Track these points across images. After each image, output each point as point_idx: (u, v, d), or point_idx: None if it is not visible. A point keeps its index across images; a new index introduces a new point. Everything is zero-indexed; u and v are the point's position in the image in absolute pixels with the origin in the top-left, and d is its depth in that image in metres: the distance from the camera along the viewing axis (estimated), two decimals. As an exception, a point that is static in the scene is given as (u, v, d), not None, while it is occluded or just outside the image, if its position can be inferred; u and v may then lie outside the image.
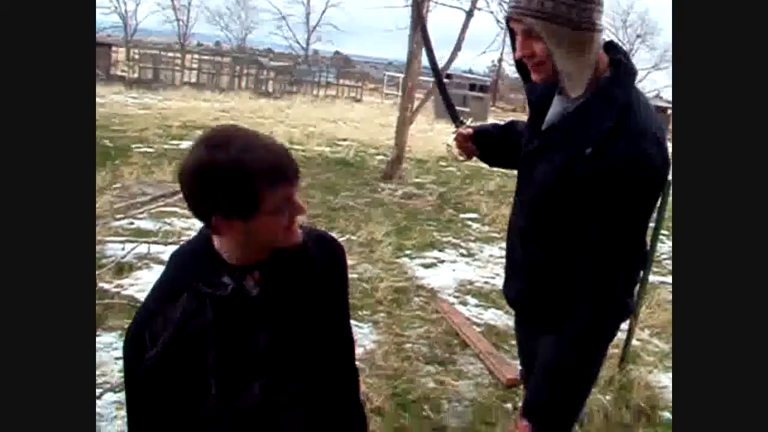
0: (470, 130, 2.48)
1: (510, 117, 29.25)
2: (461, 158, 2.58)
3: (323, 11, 51.71)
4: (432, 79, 16.14)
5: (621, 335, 4.99)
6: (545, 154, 1.99)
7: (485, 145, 2.48)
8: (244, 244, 1.49)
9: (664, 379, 4.64)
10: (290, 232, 1.50)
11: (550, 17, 1.79)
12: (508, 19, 1.93)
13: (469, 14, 11.64)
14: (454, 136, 2.50)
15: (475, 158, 2.59)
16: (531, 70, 1.94)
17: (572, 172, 1.87)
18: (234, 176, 1.36)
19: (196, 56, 33.49)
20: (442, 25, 12.78)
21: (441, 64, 11.19)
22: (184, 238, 6.19)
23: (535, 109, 2.11)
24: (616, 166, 1.80)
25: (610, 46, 1.96)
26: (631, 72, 1.93)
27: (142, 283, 5.09)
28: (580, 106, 1.90)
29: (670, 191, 4.04)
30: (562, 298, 2.08)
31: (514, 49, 1.96)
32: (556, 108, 2.02)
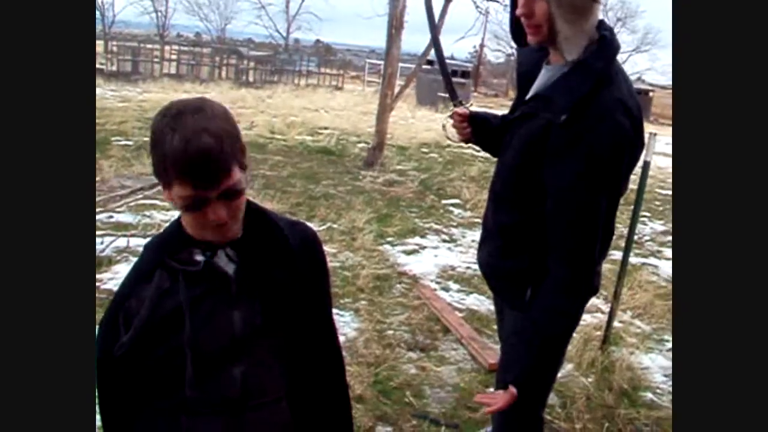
0: (467, 111, 2.50)
1: (492, 102, 29.13)
2: (455, 139, 2.60)
3: (302, 0, 51.52)
4: (412, 66, 16.10)
5: (602, 317, 5.01)
6: (525, 123, 2.07)
7: (481, 129, 2.51)
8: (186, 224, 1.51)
9: (646, 360, 4.66)
10: (217, 231, 1.48)
11: None
12: None
13: (448, 0, 11.60)
14: (450, 114, 2.54)
15: (464, 144, 2.65)
16: (528, 31, 1.99)
17: (547, 137, 1.94)
18: (161, 145, 1.38)
19: (175, 48, 33.16)
20: (421, 10, 12.73)
21: (421, 50, 11.14)
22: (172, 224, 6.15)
23: (522, 80, 2.19)
24: (587, 134, 1.87)
25: (599, 23, 2.01)
26: (613, 47, 1.99)
27: (121, 277, 5.00)
28: (561, 76, 1.97)
29: (648, 173, 4.06)
30: (529, 264, 2.16)
31: (513, 10, 2.05)
32: (541, 79, 2.09)
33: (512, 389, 2.12)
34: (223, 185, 1.40)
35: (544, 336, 2.09)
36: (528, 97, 2.13)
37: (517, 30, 2.10)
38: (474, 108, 2.58)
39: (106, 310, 1.56)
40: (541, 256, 2.10)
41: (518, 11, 1.97)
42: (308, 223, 1.78)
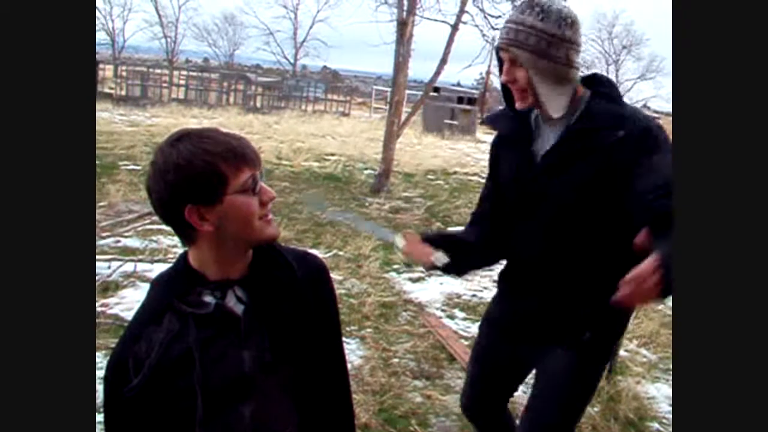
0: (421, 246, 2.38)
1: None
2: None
3: (310, 26, 51.86)
4: (419, 93, 16.20)
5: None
6: (574, 162, 2.12)
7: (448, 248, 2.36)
8: (219, 243, 1.50)
9: (652, 390, 4.65)
10: (266, 223, 1.52)
11: (533, 50, 2.06)
12: (497, 49, 2.17)
13: (454, 28, 11.68)
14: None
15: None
16: (516, 96, 2.17)
17: (612, 156, 2.03)
18: (197, 159, 1.42)
19: (184, 73, 33.43)
20: (427, 39, 12.84)
21: (427, 77, 11.21)
22: (170, 255, 6.18)
23: (515, 141, 2.29)
24: (641, 133, 2.01)
25: (592, 76, 2.22)
26: (609, 81, 2.21)
27: (128, 302, 5.07)
28: (584, 111, 2.13)
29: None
30: (594, 307, 2.17)
31: (501, 74, 2.19)
32: (547, 130, 2.21)
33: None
34: (261, 165, 1.53)
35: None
36: (546, 151, 2.18)
37: (508, 96, 2.26)
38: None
39: (115, 347, 1.55)
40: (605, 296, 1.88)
41: (502, 79, 2.16)
42: (315, 251, 1.80)
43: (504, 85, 2.23)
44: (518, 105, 2.18)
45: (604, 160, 2.05)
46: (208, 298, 1.54)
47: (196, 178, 1.42)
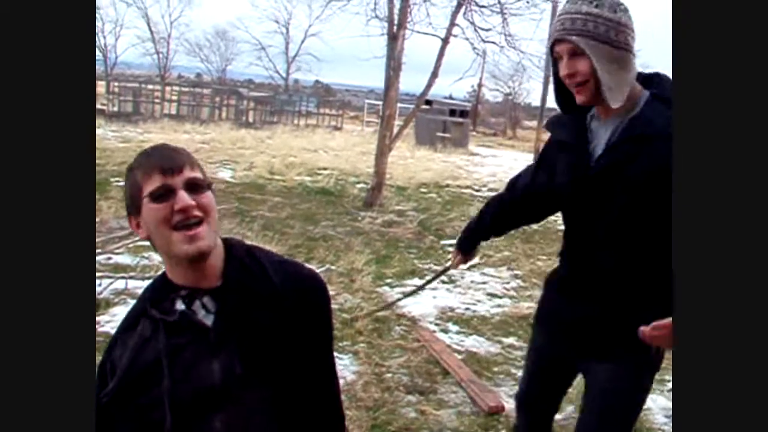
0: (463, 258, 3.05)
1: (491, 141, 29.18)
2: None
3: (302, 41, 51.87)
4: (411, 106, 16.24)
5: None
6: (624, 167, 2.12)
7: (479, 238, 2.94)
8: (160, 252, 1.57)
9: (648, 401, 4.62)
10: (183, 236, 1.51)
11: (593, 35, 2.04)
12: (552, 46, 2.15)
13: (445, 41, 11.72)
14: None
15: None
16: (575, 91, 2.14)
17: (661, 164, 1.99)
18: (126, 173, 1.60)
19: (176, 88, 33.46)
20: (419, 52, 12.89)
21: (419, 90, 11.24)
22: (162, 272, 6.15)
23: (572, 146, 2.29)
24: None
25: (637, 75, 2.19)
26: (666, 79, 2.19)
27: (119, 320, 4.99)
28: (641, 115, 2.12)
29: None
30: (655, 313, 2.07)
31: (556, 80, 2.23)
32: (604, 133, 2.20)
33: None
34: (187, 174, 1.53)
35: None
36: (600, 152, 2.19)
37: (562, 99, 2.27)
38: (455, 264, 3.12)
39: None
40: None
41: (562, 73, 2.11)
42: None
43: (557, 87, 2.25)
44: (579, 99, 2.16)
45: (657, 164, 2.04)
46: (180, 306, 1.56)
47: (126, 189, 1.59)
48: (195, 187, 1.54)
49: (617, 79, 2.07)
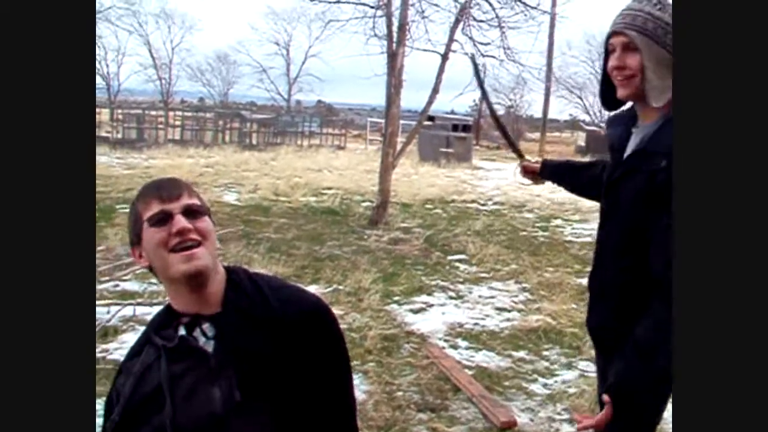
0: (536, 166, 3.01)
1: (494, 155, 29.23)
2: (526, 183, 3.14)
3: (303, 62, 52.05)
4: (413, 122, 16.23)
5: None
6: (627, 179, 2.24)
7: (555, 172, 2.99)
8: (162, 279, 1.60)
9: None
10: (180, 257, 1.53)
11: (651, 35, 2.13)
12: (608, 37, 2.25)
13: (444, 57, 11.76)
14: (517, 168, 3.08)
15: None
16: (619, 84, 2.23)
17: (655, 183, 2.10)
18: (130, 209, 1.66)
19: (179, 113, 33.61)
20: (419, 68, 12.92)
21: (421, 106, 11.24)
22: (161, 298, 6.16)
23: (615, 148, 2.39)
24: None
25: None
26: None
27: (128, 347, 4.99)
28: (654, 132, 2.18)
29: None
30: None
31: (603, 76, 2.34)
32: (634, 140, 2.30)
33: (606, 398, 2.12)
34: (184, 200, 1.58)
35: (645, 351, 2.12)
36: (626, 156, 2.30)
37: (606, 94, 2.37)
38: (536, 159, 3.09)
39: None
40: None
41: (612, 64, 2.21)
42: (314, 287, 1.79)
43: (603, 80, 2.35)
44: (621, 93, 2.24)
45: (647, 186, 2.13)
46: (181, 332, 1.57)
47: (129, 222, 1.64)
48: (192, 212, 1.58)
49: (662, 81, 2.13)
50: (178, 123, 30.76)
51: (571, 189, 2.98)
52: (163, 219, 1.55)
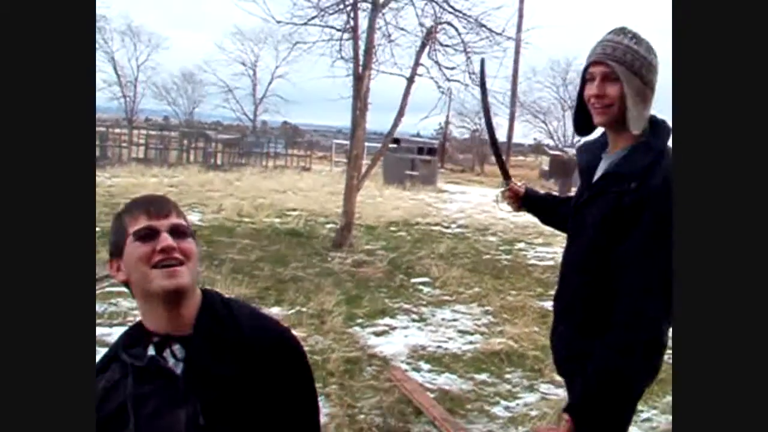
0: (522, 190, 2.98)
1: (459, 177, 29.33)
2: (507, 210, 3.10)
3: (269, 83, 52.04)
4: (378, 144, 16.26)
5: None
6: (596, 201, 2.33)
7: (535, 203, 2.99)
8: (137, 295, 1.60)
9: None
10: (162, 273, 1.54)
11: (629, 67, 2.23)
12: (586, 68, 2.33)
13: (410, 81, 11.83)
14: (502, 191, 3.03)
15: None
16: (596, 112, 2.31)
17: (621, 204, 2.20)
18: (113, 220, 1.66)
19: (143, 132, 33.33)
20: (385, 91, 12.96)
21: (386, 128, 11.26)
22: (129, 319, 6.08)
23: (585, 173, 2.48)
24: (654, 194, 2.13)
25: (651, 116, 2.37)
26: (667, 128, 2.31)
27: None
28: (626, 155, 2.29)
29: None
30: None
31: (578, 103, 2.42)
32: (602, 167, 2.40)
33: (565, 416, 2.19)
34: (172, 219, 1.60)
35: (605, 371, 2.17)
36: (595, 179, 2.39)
37: (579, 121, 2.46)
38: (523, 185, 3.05)
39: None
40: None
41: (592, 92, 2.28)
42: (277, 309, 1.80)
43: (577, 109, 2.43)
44: (597, 120, 2.33)
45: (614, 206, 2.22)
46: (150, 352, 1.56)
47: (111, 234, 1.64)
48: (179, 232, 1.60)
49: (639, 110, 2.25)
50: (142, 141, 30.48)
51: (548, 223, 3.01)
52: (149, 235, 1.56)
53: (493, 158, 3.49)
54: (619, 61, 2.23)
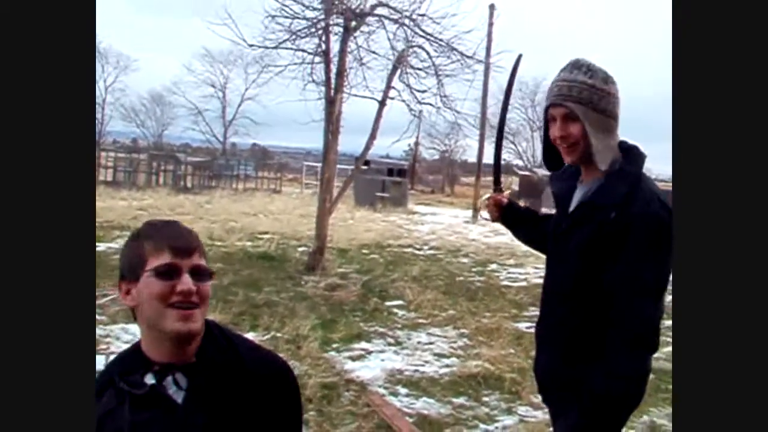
0: (505, 201, 2.94)
1: (428, 198, 29.42)
2: (487, 218, 3.05)
3: (239, 105, 52.10)
4: (349, 167, 16.27)
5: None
6: (576, 229, 2.35)
7: (514, 216, 2.94)
8: (144, 323, 1.56)
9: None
10: (177, 315, 1.52)
11: (586, 103, 2.25)
12: (547, 109, 2.36)
13: (382, 104, 11.87)
14: (488, 196, 3.00)
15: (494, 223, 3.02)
16: (565, 151, 2.35)
17: (603, 233, 2.23)
18: (132, 238, 1.61)
19: (111, 154, 33.08)
20: (356, 114, 12.98)
21: (358, 150, 11.24)
22: (102, 346, 5.98)
23: (560, 201, 2.51)
24: (635, 221, 2.17)
25: (619, 142, 2.38)
26: (641, 155, 2.35)
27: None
28: (601, 185, 2.31)
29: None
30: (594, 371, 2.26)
31: (545, 141, 2.45)
32: (579, 194, 2.43)
33: None
34: (195, 259, 1.56)
35: (605, 396, 2.20)
36: (572, 209, 2.41)
37: (548, 157, 2.49)
38: (509, 195, 3.06)
39: None
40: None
41: (555, 134, 2.31)
42: (252, 334, 1.80)
43: (546, 147, 2.47)
44: (568, 160, 2.37)
45: (595, 236, 2.25)
46: (149, 380, 1.53)
47: (125, 253, 1.60)
48: (200, 274, 1.57)
49: (605, 143, 2.28)
50: (110, 164, 30.25)
51: (525, 239, 3.00)
52: (170, 273, 1.53)
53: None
54: (576, 101, 2.26)
